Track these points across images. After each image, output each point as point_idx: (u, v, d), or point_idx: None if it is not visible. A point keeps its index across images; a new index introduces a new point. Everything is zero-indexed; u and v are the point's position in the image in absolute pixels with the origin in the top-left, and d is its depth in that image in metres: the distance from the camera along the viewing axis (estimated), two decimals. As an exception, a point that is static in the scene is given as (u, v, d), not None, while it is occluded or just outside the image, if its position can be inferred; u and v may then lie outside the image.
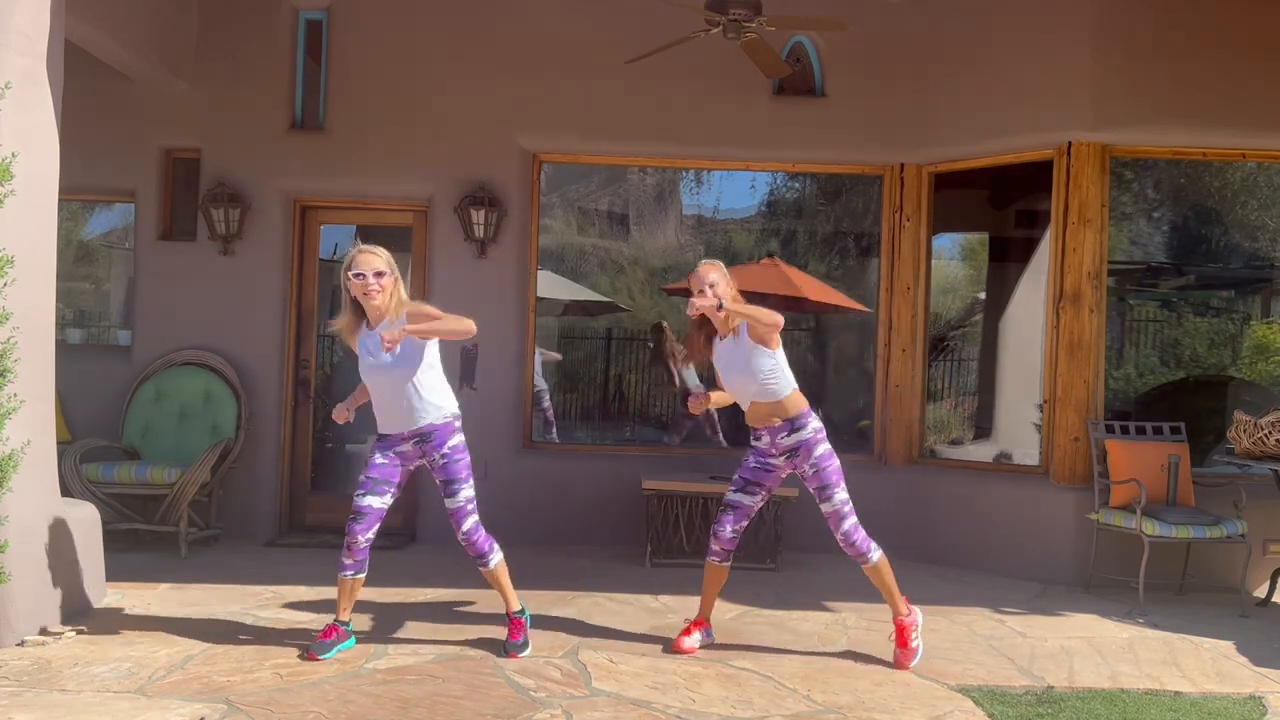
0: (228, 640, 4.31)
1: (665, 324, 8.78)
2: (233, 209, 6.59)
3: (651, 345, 8.87)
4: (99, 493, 5.88)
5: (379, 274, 4.07)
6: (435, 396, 4.19)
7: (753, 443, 4.45)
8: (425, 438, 4.19)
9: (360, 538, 4.13)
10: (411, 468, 4.29)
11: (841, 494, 4.29)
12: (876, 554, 4.33)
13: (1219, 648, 4.75)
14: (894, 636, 4.36)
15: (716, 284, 4.29)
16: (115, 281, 7.84)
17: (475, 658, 4.22)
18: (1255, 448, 5.43)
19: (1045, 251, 6.35)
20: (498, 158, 6.75)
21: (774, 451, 4.36)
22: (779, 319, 4.19)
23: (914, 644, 4.33)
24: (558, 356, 8.86)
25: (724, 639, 4.60)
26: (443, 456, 4.20)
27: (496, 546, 4.31)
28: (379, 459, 4.21)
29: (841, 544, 4.32)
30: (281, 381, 6.73)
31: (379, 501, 4.17)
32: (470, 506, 4.24)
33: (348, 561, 4.16)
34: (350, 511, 4.17)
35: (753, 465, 4.44)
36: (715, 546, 4.45)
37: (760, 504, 4.49)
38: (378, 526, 4.20)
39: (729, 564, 4.49)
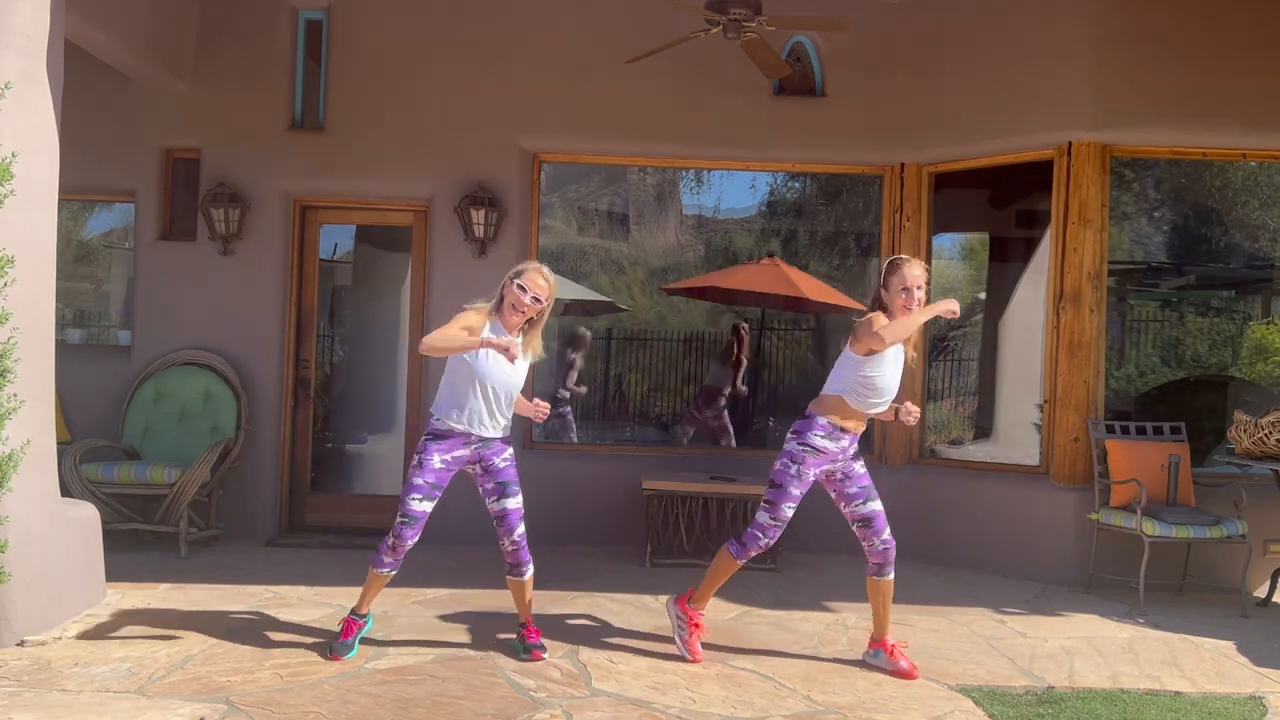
0: (228, 640, 4.31)
1: (745, 327, 8.79)
2: (233, 209, 6.59)
3: (729, 343, 8.84)
4: (99, 493, 5.87)
5: (537, 299, 4.14)
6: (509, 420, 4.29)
7: (830, 446, 4.21)
8: (488, 444, 4.22)
9: (410, 543, 4.14)
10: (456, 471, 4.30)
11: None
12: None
13: (1219, 648, 4.75)
14: (891, 658, 4.26)
15: (924, 288, 4.21)
16: (115, 281, 7.85)
17: (475, 658, 4.22)
18: (1255, 448, 5.43)
19: (1045, 251, 6.35)
20: (498, 158, 6.75)
21: (841, 457, 4.27)
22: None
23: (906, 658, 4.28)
24: (583, 390, 8.94)
25: (724, 639, 4.60)
26: (504, 461, 4.24)
27: None
28: (437, 463, 4.17)
29: (888, 545, 4.26)
30: (281, 381, 6.73)
31: (431, 507, 4.17)
32: (523, 511, 4.28)
33: (388, 560, 4.16)
34: (401, 515, 4.11)
35: (812, 479, 4.25)
36: (754, 553, 4.27)
37: None
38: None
39: None
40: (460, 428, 4.16)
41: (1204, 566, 5.93)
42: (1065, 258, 6.15)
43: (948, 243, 9.37)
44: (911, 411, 4.27)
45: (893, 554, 4.29)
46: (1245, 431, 5.46)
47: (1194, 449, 5.97)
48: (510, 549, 4.26)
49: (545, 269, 4.23)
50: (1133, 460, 5.72)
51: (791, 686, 4.02)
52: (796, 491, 4.23)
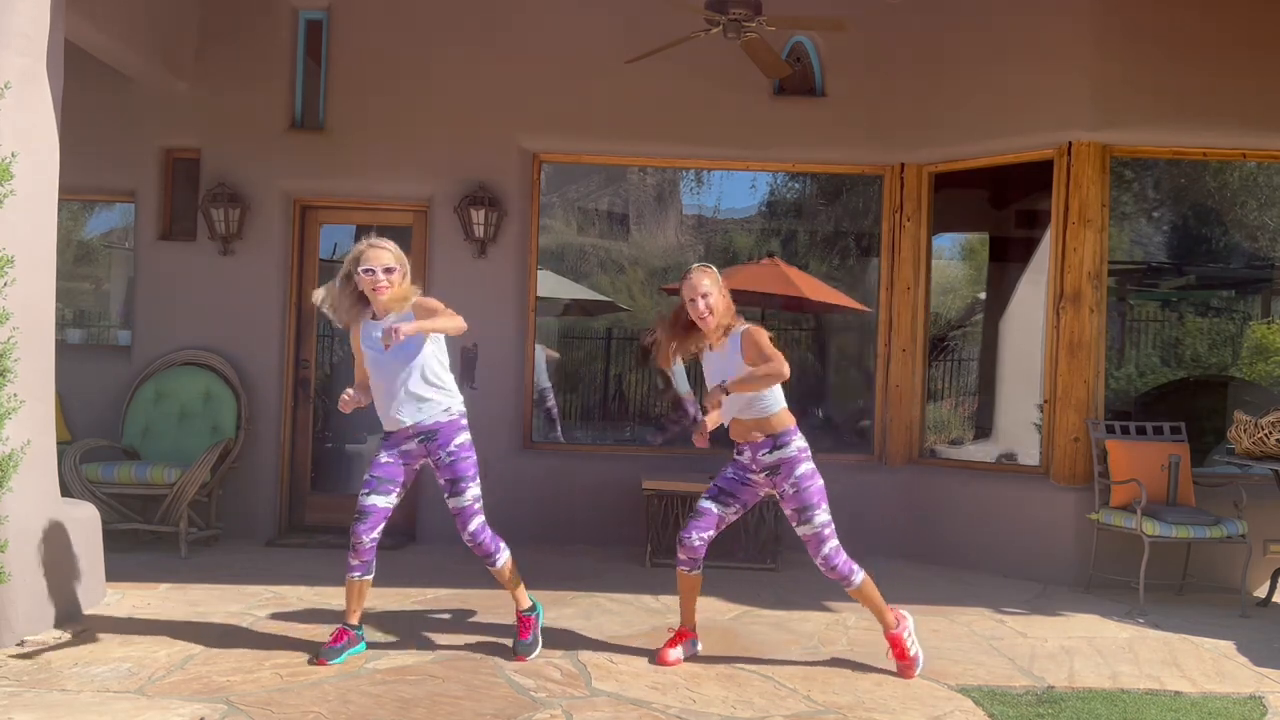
0: (228, 640, 4.31)
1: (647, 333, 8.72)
2: (233, 209, 6.59)
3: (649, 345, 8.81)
4: (99, 493, 5.87)
5: (389, 270, 4.07)
6: (439, 394, 4.17)
7: (735, 455, 4.29)
8: (430, 436, 4.15)
9: (365, 538, 4.11)
10: (416, 467, 4.27)
11: (823, 516, 4.11)
12: (859, 576, 4.17)
13: (1219, 648, 4.75)
14: (890, 653, 4.24)
15: (710, 294, 4.09)
16: (115, 281, 7.84)
17: (475, 658, 4.22)
18: (1255, 448, 5.43)
19: (1045, 251, 6.35)
20: (498, 158, 6.75)
21: (754, 468, 4.22)
22: (785, 372, 3.96)
23: (913, 652, 4.22)
24: (556, 355, 8.87)
25: (724, 639, 4.60)
26: (449, 455, 4.16)
27: (504, 545, 4.28)
28: (384, 458, 4.19)
29: (822, 568, 4.15)
30: (281, 381, 6.73)
31: (383, 501, 4.15)
32: (477, 506, 4.19)
33: (354, 562, 4.14)
34: (354, 511, 4.14)
35: (730, 476, 4.27)
36: (682, 555, 4.27)
37: (734, 517, 4.32)
38: (383, 526, 4.17)
39: (700, 570, 4.33)
40: (388, 425, 4.18)
41: (1204, 566, 5.93)
42: (1065, 258, 6.15)
43: (948, 243, 9.38)
44: (704, 428, 4.21)
45: (838, 575, 4.14)
46: (1245, 431, 5.46)
47: (1194, 449, 5.97)
48: (468, 543, 4.22)
49: (376, 237, 4.14)
50: (1133, 460, 5.71)
51: (791, 686, 4.02)
52: (711, 484, 4.33)
